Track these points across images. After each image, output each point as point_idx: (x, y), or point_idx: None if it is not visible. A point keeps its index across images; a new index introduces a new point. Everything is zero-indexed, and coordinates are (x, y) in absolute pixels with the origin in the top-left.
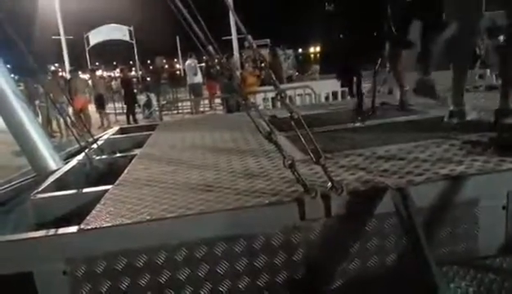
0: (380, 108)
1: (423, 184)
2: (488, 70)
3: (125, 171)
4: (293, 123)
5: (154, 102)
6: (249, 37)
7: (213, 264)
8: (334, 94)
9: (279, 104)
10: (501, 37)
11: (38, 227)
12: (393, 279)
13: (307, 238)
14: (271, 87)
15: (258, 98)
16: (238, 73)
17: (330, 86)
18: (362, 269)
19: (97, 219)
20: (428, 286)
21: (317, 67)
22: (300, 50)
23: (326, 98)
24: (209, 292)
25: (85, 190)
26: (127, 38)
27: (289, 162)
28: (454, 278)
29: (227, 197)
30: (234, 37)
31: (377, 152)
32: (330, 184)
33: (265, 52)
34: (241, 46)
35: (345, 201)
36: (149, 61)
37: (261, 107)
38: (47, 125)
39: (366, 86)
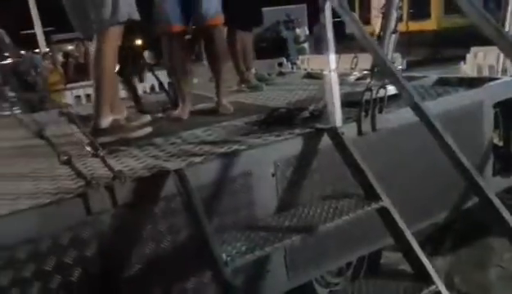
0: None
1: (200, 164)
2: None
3: None
4: (66, 119)
5: None
6: None
7: None
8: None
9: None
10: (297, 30)
11: None
12: (186, 254)
13: (98, 231)
14: (81, 84)
15: (69, 97)
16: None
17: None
18: (157, 250)
19: None
20: (208, 253)
21: None
22: None
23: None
24: None
25: None
26: None
27: (65, 158)
28: (233, 241)
29: (7, 202)
30: (38, 30)
31: (169, 139)
32: (113, 174)
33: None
34: (49, 41)
35: (130, 189)
36: None
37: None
38: None
39: None
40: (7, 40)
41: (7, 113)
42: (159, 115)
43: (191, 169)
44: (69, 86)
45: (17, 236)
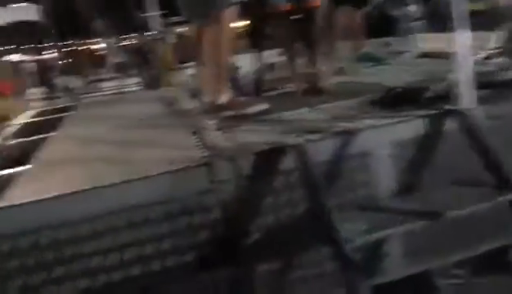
0: None
1: (319, 141)
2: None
3: (40, 152)
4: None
5: (74, 84)
6: None
7: (133, 230)
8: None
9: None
10: (408, 7)
11: None
12: (303, 229)
13: (221, 198)
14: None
15: (183, 75)
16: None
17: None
18: (275, 222)
19: (12, 197)
20: (327, 229)
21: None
22: None
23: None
24: (133, 256)
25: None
26: (36, 18)
27: (198, 130)
28: (351, 220)
29: (142, 167)
30: (153, 13)
31: (282, 116)
32: (236, 147)
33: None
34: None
35: (252, 161)
36: (65, 42)
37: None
38: None
39: None
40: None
41: (133, 89)
42: (271, 93)
43: (311, 145)
44: (182, 65)
45: (150, 198)
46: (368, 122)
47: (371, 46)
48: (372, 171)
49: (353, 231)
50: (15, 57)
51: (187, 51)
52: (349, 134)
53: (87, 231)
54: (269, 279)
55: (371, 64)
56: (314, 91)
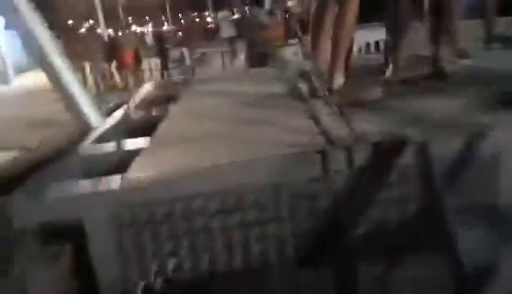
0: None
1: (442, 137)
2: None
3: (161, 125)
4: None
5: (186, 57)
6: None
7: (241, 211)
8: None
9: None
10: None
11: (85, 176)
12: (413, 226)
13: (331, 188)
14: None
15: (288, 52)
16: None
17: (367, 35)
18: (384, 217)
19: (139, 169)
20: (445, 232)
21: None
22: None
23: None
24: (240, 236)
25: (125, 142)
26: None
27: (312, 114)
28: (473, 226)
29: (254, 148)
30: None
31: (401, 106)
32: (353, 136)
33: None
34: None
35: (369, 152)
36: (180, 15)
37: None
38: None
39: None
40: None
41: (242, 64)
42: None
43: (433, 140)
44: (290, 42)
45: (259, 180)
46: (503, 117)
47: (504, 25)
48: (503, 175)
49: (472, 240)
50: (136, 29)
51: (292, 29)
52: (479, 130)
53: (196, 208)
54: (371, 275)
55: (503, 46)
56: (436, 77)
